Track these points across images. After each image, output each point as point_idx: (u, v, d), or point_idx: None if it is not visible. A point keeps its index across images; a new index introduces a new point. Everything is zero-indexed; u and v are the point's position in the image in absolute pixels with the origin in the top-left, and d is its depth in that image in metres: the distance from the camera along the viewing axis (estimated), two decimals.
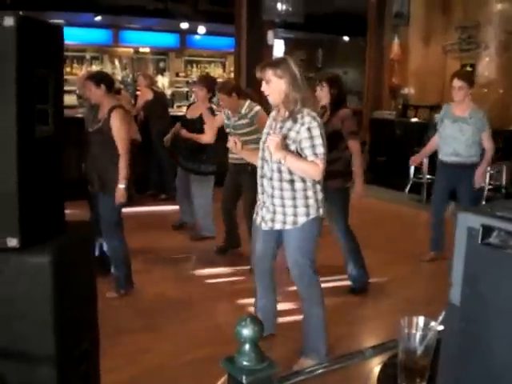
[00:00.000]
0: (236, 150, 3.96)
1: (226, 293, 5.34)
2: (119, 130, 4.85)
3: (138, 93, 10.06)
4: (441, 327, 1.47)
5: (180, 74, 15.97)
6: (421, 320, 1.52)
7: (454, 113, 5.95)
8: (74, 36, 13.25)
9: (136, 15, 13.45)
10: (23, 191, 1.91)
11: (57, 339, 1.92)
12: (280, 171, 3.69)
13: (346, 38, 17.23)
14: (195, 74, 15.90)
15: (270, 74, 3.65)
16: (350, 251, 5.52)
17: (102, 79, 5.02)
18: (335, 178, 5.13)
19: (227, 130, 6.08)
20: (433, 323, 1.50)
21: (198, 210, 7.00)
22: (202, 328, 4.65)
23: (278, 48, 15.83)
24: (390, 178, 10.32)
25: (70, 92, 12.61)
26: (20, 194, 1.90)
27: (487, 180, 8.93)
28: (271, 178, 3.74)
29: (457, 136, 5.85)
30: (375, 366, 1.68)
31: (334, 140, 4.99)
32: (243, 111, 5.86)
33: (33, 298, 1.91)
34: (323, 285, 5.49)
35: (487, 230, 1.22)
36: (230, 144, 3.95)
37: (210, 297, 5.30)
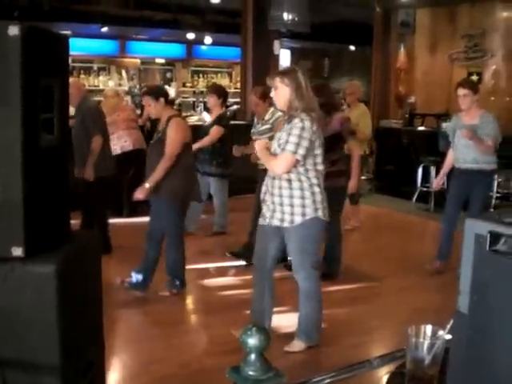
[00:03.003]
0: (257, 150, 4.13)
1: (235, 302, 5.31)
2: (170, 136, 5.03)
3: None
4: (449, 336, 1.45)
5: (187, 84, 16.00)
6: (428, 329, 1.50)
7: (464, 122, 5.97)
8: (80, 47, 13.30)
9: (143, 26, 13.50)
10: (28, 200, 1.90)
11: (61, 349, 1.91)
12: None
13: (352, 48, 17.23)
14: (202, 84, 15.93)
15: (277, 81, 3.97)
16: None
17: (159, 93, 5.24)
18: (339, 177, 5.55)
19: (253, 137, 6.42)
20: (441, 332, 1.48)
21: (219, 209, 7.33)
22: (210, 337, 4.63)
23: (285, 58, 15.87)
24: (397, 187, 10.29)
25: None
26: (25, 203, 1.89)
27: (495, 188, 8.90)
28: (274, 178, 4.01)
29: (470, 144, 5.84)
30: (383, 376, 1.66)
31: (334, 142, 5.41)
32: (267, 117, 6.24)
33: (37, 308, 1.90)
34: (330, 292, 5.49)
35: (495, 237, 1.21)
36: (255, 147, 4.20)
37: (219, 306, 5.28)
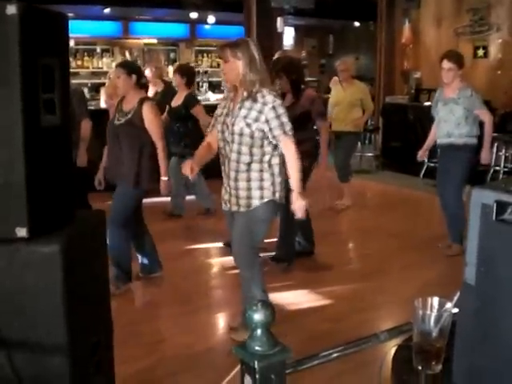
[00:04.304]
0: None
1: (238, 282, 5.33)
2: (153, 122, 4.82)
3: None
4: (456, 309, 1.44)
5: (191, 65, 15.91)
6: (435, 301, 1.49)
7: (444, 95, 5.87)
8: (84, 29, 13.25)
9: (145, 6, 13.40)
10: (31, 181, 1.90)
11: (68, 329, 1.91)
12: (239, 153, 3.70)
13: (356, 24, 17.08)
14: (206, 63, 15.86)
15: (228, 54, 3.69)
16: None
17: (133, 69, 5.00)
18: (305, 158, 5.21)
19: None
20: (448, 304, 1.47)
21: (175, 189, 7.25)
22: (217, 317, 4.65)
23: (288, 35, 15.76)
24: (404, 163, 10.23)
25: (81, 85, 12.66)
26: (28, 183, 1.88)
27: (502, 163, 8.87)
28: (230, 159, 3.76)
29: (448, 118, 5.79)
30: (390, 350, 1.65)
31: (303, 120, 5.22)
32: None
33: (43, 288, 1.89)
34: (336, 272, 5.49)
35: (501, 206, 1.19)
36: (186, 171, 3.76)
37: (225, 286, 5.29)
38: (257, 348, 1.40)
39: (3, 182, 1.87)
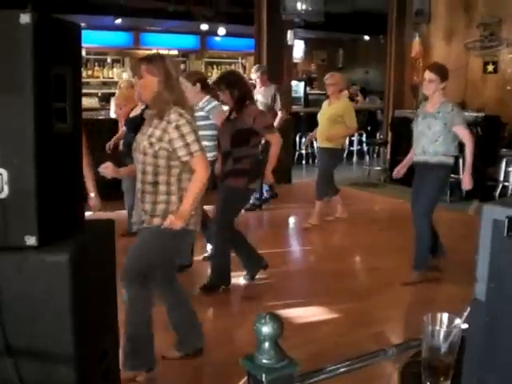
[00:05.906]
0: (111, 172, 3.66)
1: (247, 294, 5.31)
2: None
3: None
4: (465, 325, 1.43)
5: None
6: (445, 317, 1.48)
7: (426, 109, 5.56)
8: (95, 39, 13.35)
9: (156, 17, 13.50)
10: (41, 189, 1.90)
11: (75, 338, 1.91)
12: (144, 173, 3.49)
13: (366, 37, 17.12)
14: (215, 75, 15.92)
15: (143, 69, 3.48)
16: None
17: None
18: (237, 177, 5.06)
19: None
20: (457, 320, 1.46)
21: (130, 210, 7.11)
22: (224, 328, 4.63)
23: (299, 48, 15.81)
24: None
25: (91, 95, 12.74)
26: (38, 191, 1.89)
27: (511, 179, 8.84)
28: (137, 179, 3.57)
29: (425, 132, 5.42)
30: (398, 365, 1.64)
31: (242, 137, 5.02)
32: (201, 104, 5.64)
33: (51, 297, 1.90)
34: (344, 286, 5.47)
35: None
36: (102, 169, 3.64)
37: (231, 297, 5.27)
38: (264, 361, 1.40)
39: (14, 190, 1.88)
